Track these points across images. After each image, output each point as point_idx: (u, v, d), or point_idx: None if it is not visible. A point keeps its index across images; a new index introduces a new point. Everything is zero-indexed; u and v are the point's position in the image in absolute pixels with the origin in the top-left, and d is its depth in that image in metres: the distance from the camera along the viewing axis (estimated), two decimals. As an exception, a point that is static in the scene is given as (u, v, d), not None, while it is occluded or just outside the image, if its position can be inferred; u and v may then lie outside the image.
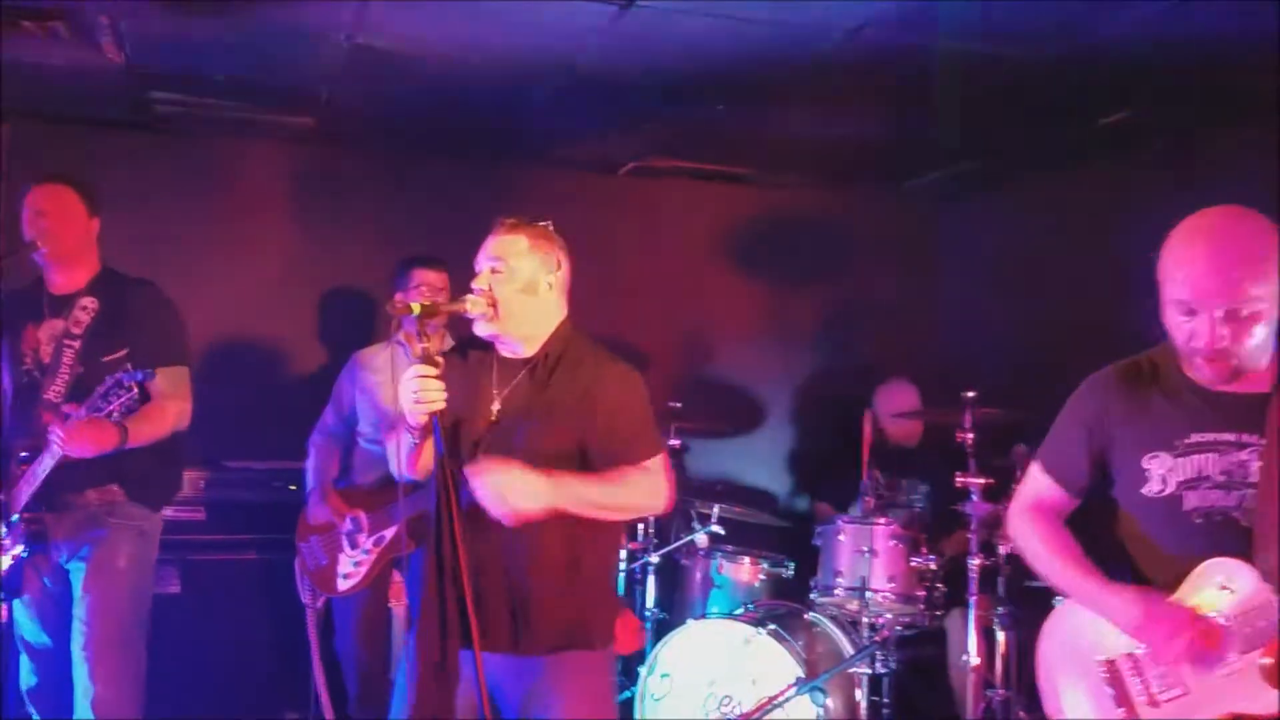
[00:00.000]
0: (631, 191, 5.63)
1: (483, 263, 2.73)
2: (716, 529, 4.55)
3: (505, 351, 2.77)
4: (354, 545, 3.90)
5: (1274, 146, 3.86)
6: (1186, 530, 2.33)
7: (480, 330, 2.71)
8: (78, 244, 3.58)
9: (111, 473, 3.44)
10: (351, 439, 4.14)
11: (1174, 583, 2.32)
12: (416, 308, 2.54)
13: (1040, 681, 2.55)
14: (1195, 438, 2.34)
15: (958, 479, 4.08)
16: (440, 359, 2.55)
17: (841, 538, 4.26)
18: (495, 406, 2.72)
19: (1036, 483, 2.59)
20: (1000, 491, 4.11)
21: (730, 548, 4.60)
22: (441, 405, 2.51)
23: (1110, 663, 2.40)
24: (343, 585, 3.92)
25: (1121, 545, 2.47)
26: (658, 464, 2.69)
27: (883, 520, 4.24)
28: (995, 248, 5.77)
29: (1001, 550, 4.07)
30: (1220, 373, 2.29)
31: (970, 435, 4.14)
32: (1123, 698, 2.36)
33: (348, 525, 3.94)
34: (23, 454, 3.40)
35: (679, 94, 4.23)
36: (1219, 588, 2.26)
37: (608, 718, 2.78)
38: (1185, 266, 2.25)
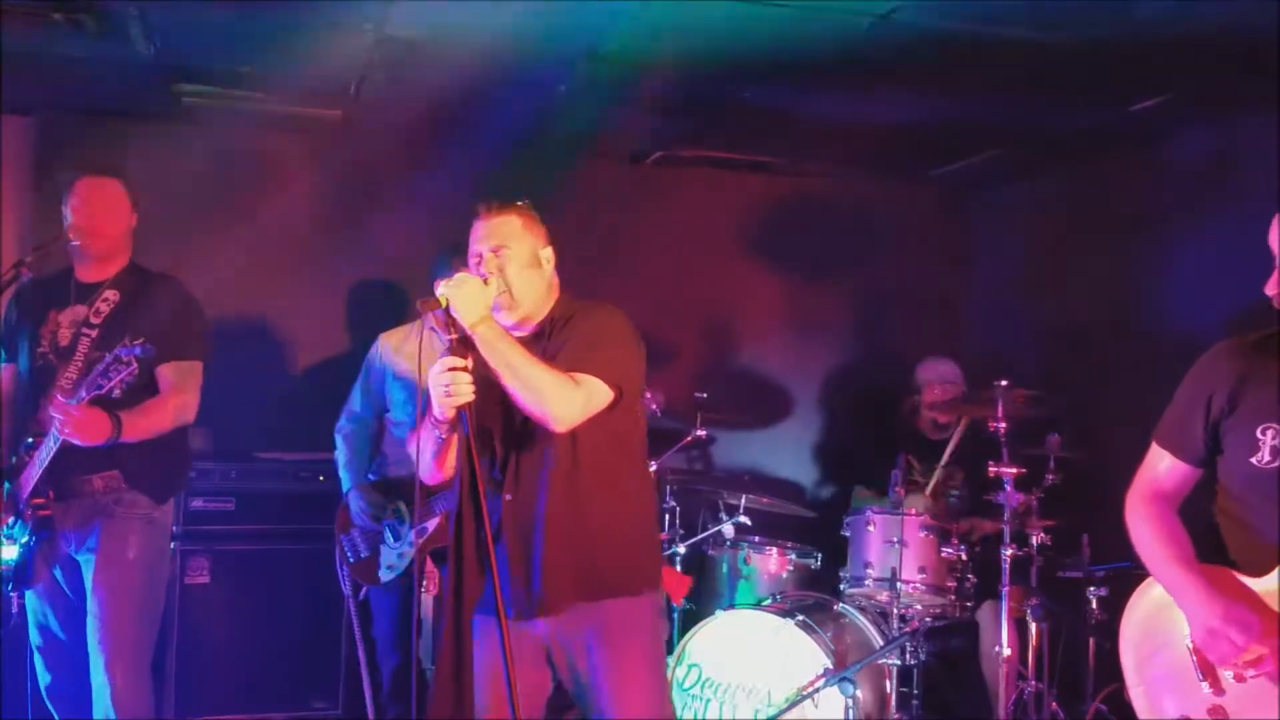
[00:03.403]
0: (658, 181, 5.60)
1: (480, 249, 2.74)
2: (743, 519, 4.53)
3: (515, 334, 2.74)
4: (397, 537, 3.88)
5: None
6: None
7: (499, 320, 2.68)
8: (116, 239, 3.59)
9: (112, 459, 3.42)
10: (380, 425, 4.12)
11: (1266, 566, 2.28)
12: (444, 300, 2.51)
13: (1121, 651, 2.53)
14: None
15: (990, 468, 4.04)
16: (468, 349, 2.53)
17: (871, 528, 4.23)
18: None
19: (1155, 464, 2.54)
20: (1033, 481, 4.07)
21: (757, 538, 4.59)
22: (470, 398, 2.48)
23: None
24: (386, 576, 3.89)
25: (1217, 525, 2.43)
26: (593, 385, 2.62)
27: (913, 511, 4.22)
28: (1025, 235, 5.72)
29: (1034, 540, 4.03)
30: None
31: (1003, 424, 4.10)
32: (1207, 670, 2.33)
33: (390, 518, 3.92)
34: (28, 439, 3.41)
35: (706, 81, 4.20)
36: None
37: (652, 662, 2.81)
38: None
